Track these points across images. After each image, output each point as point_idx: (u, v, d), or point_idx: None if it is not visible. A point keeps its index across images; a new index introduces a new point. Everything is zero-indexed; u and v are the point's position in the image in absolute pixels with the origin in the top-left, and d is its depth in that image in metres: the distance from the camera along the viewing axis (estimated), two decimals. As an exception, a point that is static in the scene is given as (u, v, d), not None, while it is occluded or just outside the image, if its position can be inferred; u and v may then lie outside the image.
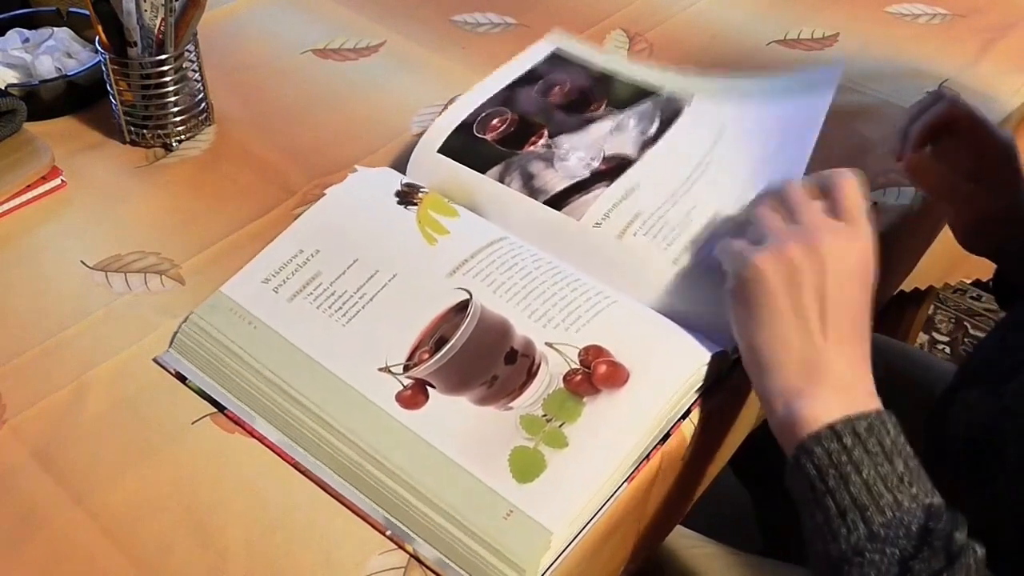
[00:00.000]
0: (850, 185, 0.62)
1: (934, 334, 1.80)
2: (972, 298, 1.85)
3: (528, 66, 0.86)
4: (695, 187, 0.74)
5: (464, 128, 0.80)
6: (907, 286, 1.07)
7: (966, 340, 1.79)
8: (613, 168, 0.76)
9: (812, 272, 0.58)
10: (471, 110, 0.81)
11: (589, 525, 0.59)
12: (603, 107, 0.81)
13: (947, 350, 1.77)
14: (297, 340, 0.66)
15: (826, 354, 0.58)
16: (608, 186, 0.74)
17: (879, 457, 0.54)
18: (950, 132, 0.75)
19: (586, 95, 0.83)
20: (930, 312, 1.80)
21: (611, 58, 0.89)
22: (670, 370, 0.63)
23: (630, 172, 0.75)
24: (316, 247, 0.72)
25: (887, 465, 0.53)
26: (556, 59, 0.87)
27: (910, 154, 0.74)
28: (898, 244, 0.85)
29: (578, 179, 0.75)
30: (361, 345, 0.66)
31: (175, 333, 0.69)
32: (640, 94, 0.82)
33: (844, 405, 0.56)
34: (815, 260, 0.59)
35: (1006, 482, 0.57)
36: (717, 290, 0.64)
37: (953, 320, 1.83)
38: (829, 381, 0.57)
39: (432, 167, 0.78)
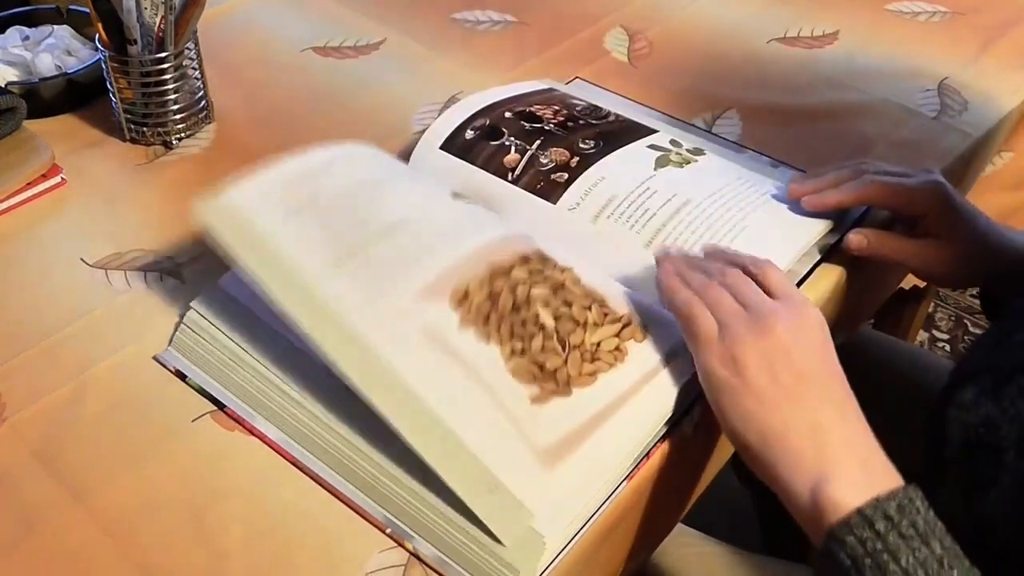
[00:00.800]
0: (775, 272, 0.63)
1: (934, 332, 1.80)
2: (972, 295, 1.85)
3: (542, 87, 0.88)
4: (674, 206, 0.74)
5: (462, 128, 0.81)
6: (907, 284, 1.07)
7: (966, 338, 1.79)
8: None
9: (782, 354, 0.58)
10: (474, 110, 0.82)
11: (587, 526, 0.59)
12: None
13: (947, 348, 1.77)
14: (292, 335, 0.66)
15: (831, 427, 0.57)
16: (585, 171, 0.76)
17: (915, 541, 0.52)
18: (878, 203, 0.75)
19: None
20: (930, 310, 1.80)
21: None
22: (669, 370, 0.63)
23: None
24: (324, 177, 0.70)
25: (924, 549, 0.52)
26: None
27: (850, 235, 0.74)
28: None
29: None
30: (363, 282, 0.65)
31: (175, 331, 0.69)
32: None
33: (867, 481, 0.55)
34: (779, 342, 0.58)
35: (1008, 486, 0.57)
36: None
37: (953, 318, 1.83)
38: (844, 456, 0.56)
39: (434, 163, 0.79)
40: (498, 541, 0.55)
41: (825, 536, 0.54)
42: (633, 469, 0.61)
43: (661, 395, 0.62)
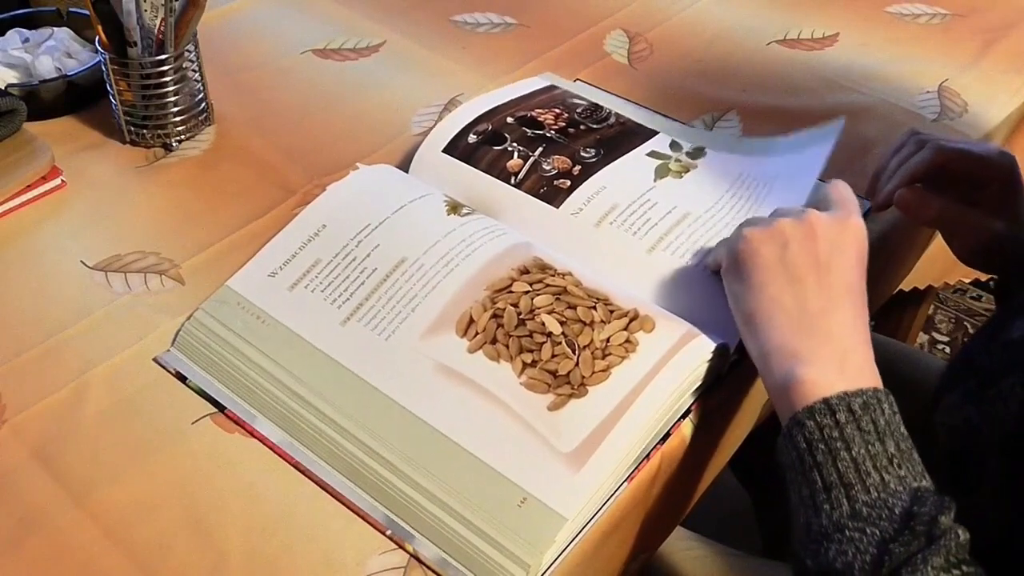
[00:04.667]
0: (841, 185, 0.66)
1: (934, 334, 1.80)
2: (972, 298, 1.85)
3: (539, 86, 0.89)
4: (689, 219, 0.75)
5: (464, 132, 0.81)
6: (906, 286, 1.07)
7: (966, 340, 1.79)
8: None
9: (803, 239, 0.61)
10: (477, 114, 0.83)
11: (587, 528, 0.59)
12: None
13: (947, 350, 1.77)
14: (306, 333, 0.66)
15: (821, 316, 0.59)
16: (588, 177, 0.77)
17: (871, 436, 0.53)
18: (941, 171, 0.74)
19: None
20: (930, 312, 1.80)
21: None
22: (685, 351, 0.64)
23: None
24: (323, 238, 0.71)
25: (878, 444, 0.53)
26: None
27: (902, 191, 0.73)
28: (897, 243, 0.85)
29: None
30: (370, 334, 0.66)
31: (178, 331, 0.69)
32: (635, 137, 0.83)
33: (839, 372, 0.56)
34: (806, 230, 0.61)
35: (990, 490, 0.57)
36: (693, 280, 0.68)
37: (953, 320, 1.83)
38: (825, 344, 0.58)
39: (436, 166, 0.79)
40: (526, 555, 0.56)
41: (789, 418, 0.55)
42: (634, 470, 0.61)
43: (682, 371, 0.62)
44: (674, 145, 0.81)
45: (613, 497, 0.60)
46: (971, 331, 1.80)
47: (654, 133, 0.83)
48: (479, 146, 0.80)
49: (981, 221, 0.73)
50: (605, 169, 0.78)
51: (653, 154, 0.80)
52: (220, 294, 0.69)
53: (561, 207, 0.75)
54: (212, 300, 0.69)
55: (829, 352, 0.57)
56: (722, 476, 0.75)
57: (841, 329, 0.59)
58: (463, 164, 0.78)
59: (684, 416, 0.64)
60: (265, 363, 0.65)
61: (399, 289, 0.67)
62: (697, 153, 0.81)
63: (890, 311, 1.36)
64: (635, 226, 0.73)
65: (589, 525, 0.59)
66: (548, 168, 0.77)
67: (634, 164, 0.79)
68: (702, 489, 0.74)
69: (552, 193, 0.76)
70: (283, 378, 0.64)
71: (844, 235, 0.62)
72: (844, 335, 0.59)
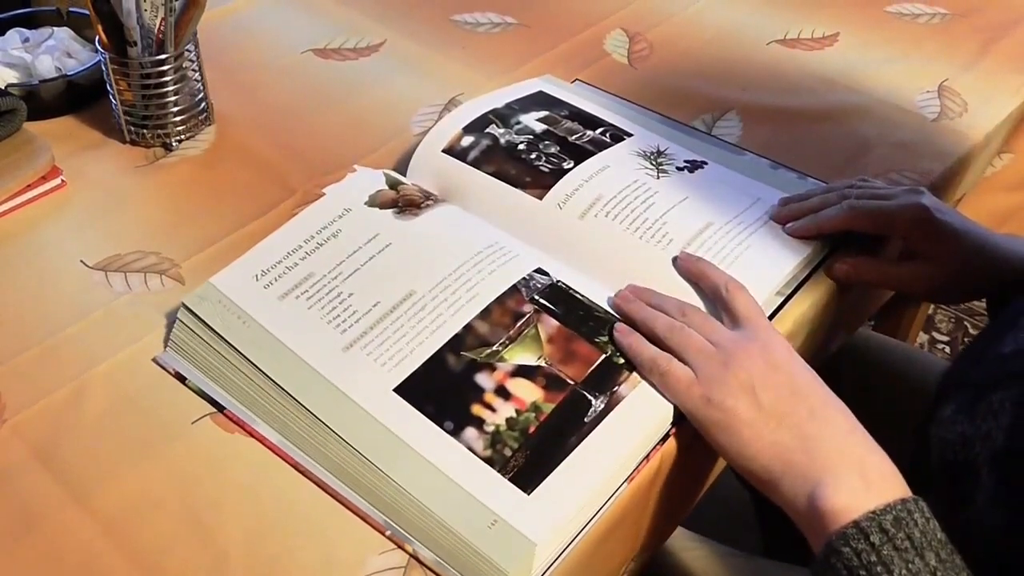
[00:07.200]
0: (743, 296, 0.66)
1: (934, 333, 1.80)
2: (972, 297, 1.85)
3: (540, 88, 0.89)
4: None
5: (463, 132, 0.81)
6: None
7: (966, 339, 1.79)
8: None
9: (766, 372, 0.61)
10: (477, 115, 0.83)
11: (586, 528, 0.59)
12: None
13: (947, 349, 1.77)
14: (288, 340, 0.65)
15: (820, 436, 0.58)
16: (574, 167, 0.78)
17: (909, 553, 0.52)
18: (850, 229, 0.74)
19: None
20: (930, 311, 1.80)
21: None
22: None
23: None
24: (312, 247, 0.71)
25: (918, 561, 0.52)
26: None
27: (836, 265, 0.74)
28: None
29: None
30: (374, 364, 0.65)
31: (170, 329, 0.68)
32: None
33: (865, 487, 0.55)
34: (764, 362, 0.61)
35: (982, 505, 0.57)
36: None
37: (953, 319, 1.83)
38: (840, 463, 0.57)
39: (435, 167, 0.79)
40: (503, 571, 0.55)
41: (823, 546, 0.54)
42: (633, 471, 0.61)
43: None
44: (665, 156, 0.81)
45: (612, 499, 0.60)
46: (971, 330, 1.80)
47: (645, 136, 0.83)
48: (474, 146, 0.80)
49: (920, 269, 0.74)
50: (594, 158, 0.78)
51: (639, 152, 0.81)
52: (201, 290, 0.68)
53: (544, 199, 0.75)
54: (193, 295, 0.67)
55: (847, 467, 0.57)
56: (722, 476, 0.75)
57: (844, 438, 0.58)
58: (462, 164, 0.78)
59: (684, 417, 0.64)
60: (246, 365, 0.64)
61: (404, 323, 0.66)
62: (695, 167, 0.80)
63: (890, 310, 1.36)
64: (621, 216, 0.73)
65: (579, 536, 0.58)
66: (538, 164, 0.78)
67: (619, 157, 0.79)
68: (703, 490, 0.74)
69: (538, 185, 0.76)
70: (266, 384, 0.63)
71: (789, 350, 0.62)
72: (850, 444, 0.58)
